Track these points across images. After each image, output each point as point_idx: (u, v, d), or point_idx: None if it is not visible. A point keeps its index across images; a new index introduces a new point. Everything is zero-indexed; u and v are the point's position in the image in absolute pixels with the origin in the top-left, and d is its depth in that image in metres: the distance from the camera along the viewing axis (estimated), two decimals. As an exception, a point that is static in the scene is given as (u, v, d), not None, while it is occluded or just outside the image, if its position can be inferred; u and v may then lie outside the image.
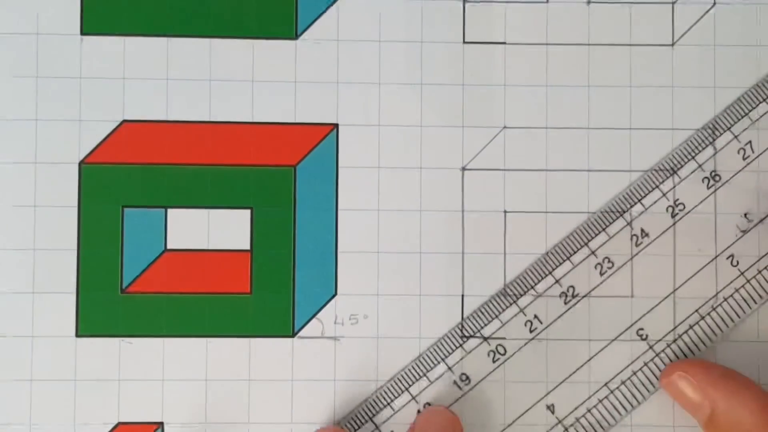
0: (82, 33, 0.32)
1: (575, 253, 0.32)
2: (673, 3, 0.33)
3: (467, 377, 0.32)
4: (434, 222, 0.32)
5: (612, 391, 0.32)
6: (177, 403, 0.32)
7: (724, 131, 0.33)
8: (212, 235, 0.32)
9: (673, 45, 0.33)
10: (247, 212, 0.32)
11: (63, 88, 0.32)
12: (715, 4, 0.33)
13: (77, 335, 0.32)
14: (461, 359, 0.32)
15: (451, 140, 0.33)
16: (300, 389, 0.32)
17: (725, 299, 0.32)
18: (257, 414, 0.32)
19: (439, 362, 0.32)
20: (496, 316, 0.32)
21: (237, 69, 0.33)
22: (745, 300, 0.32)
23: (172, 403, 0.32)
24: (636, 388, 0.32)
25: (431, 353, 0.32)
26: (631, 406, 0.32)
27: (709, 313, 0.32)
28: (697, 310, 0.32)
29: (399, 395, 0.32)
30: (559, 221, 0.32)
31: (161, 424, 0.32)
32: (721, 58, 0.33)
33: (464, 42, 0.33)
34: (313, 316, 0.32)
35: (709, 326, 0.32)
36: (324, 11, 0.33)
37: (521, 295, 0.32)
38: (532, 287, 0.32)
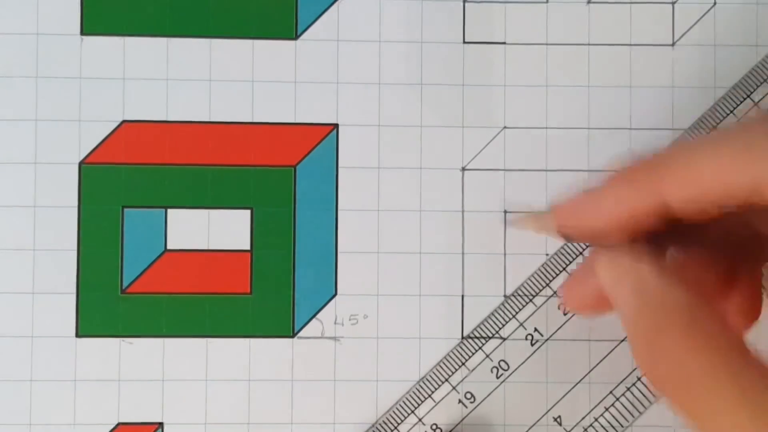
0: (82, 33, 0.32)
1: (571, 262, 0.32)
2: (673, 3, 0.33)
3: (472, 395, 0.32)
4: (434, 222, 0.32)
5: (618, 398, 0.32)
6: (177, 403, 0.32)
7: (711, 130, 0.32)
8: (212, 236, 0.32)
9: (673, 45, 0.33)
10: (247, 212, 0.32)
11: (63, 88, 0.32)
12: (715, 4, 0.33)
13: (77, 335, 0.32)
14: (464, 378, 0.32)
15: (451, 140, 0.33)
16: (300, 389, 0.32)
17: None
18: (257, 414, 0.32)
19: (443, 382, 0.32)
20: (497, 332, 0.32)
21: (237, 69, 0.33)
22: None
23: (172, 403, 0.32)
24: (641, 393, 0.32)
25: (434, 374, 0.32)
26: (638, 411, 0.32)
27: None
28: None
29: (405, 418, 0.32)
30: (559, 221, 0.32)
31: (161, 424, 0.32)
32: (721, 58, 0.33)
33: (464, 42, 0.33)
34: (313, 316, 0.32)
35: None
36: (324, 11, 0.33)
37: (520, 309, 0.32)
38: (530, 300, 0.32)
